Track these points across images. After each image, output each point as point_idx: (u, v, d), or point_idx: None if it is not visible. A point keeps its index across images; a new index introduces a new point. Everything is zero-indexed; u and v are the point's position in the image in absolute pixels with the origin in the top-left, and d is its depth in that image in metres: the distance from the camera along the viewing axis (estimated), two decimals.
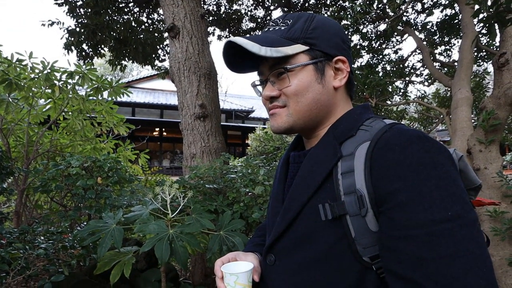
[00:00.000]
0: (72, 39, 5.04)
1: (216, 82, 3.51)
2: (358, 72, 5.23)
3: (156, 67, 6.17)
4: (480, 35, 4.34)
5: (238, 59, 0.67)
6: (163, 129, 17.16)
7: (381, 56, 5.91)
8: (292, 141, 0.81)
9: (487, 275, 0.43)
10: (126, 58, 5.60)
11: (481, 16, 1.71)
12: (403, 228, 0.47)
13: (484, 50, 5.20)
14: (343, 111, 0.68)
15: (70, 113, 3.51)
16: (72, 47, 5.12)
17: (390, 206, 0.49)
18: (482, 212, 2.97)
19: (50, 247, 1.56)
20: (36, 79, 3.03)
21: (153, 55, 5.81)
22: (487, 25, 1.77)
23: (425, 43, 5.48)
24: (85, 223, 2.33)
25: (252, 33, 6.53)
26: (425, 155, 0.50)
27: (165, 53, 6.02)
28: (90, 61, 5.34)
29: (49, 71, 3.02)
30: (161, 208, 1.76)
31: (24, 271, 1.42)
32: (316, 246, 0.57)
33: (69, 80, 3.20)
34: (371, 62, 5.92)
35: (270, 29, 0.68)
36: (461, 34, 3.94)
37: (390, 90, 4.78)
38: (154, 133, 16.98)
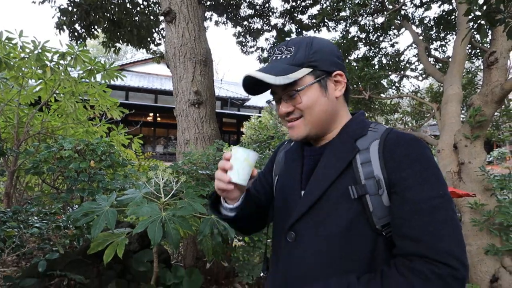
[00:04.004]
0: (64, 18, 4.91)
1: (212, 69, 3.49)
2: (354, 64, 5.26)
3: (151, 51, 6.07)
4: (474, 32, 4.39)
5: (255, 86, 0.82)
6: (157, 115, 16.99)
7: (377, 49, 5.93)
8: None
9: (460, 231, 0.66)
10: (120, 41, 5.49)
11: (472, 15, 1.74)
12: (413, 203, 0.66)
13: (477, 48, 5.25)
14: (345, 115, 0.85)
15: (62, 95, 3.46)
16: (64, 27, 5.00)
17: (402, 188, 0.68)
18: (464, 204, 3.08)
19: (44, 226, 1.59)
20: (26, 58, 2.97)
21: (148, 39, 5.71)
22: (476, 24, 1.81)
23: (421, 38, 5.51)
24: (77, 206, 2.34)
25: (250, 20, 6.48)
26: (423, 151, 0.70)
27: (160, 37, 5.93)
28: (82, 42, 5.22)
29: (40, 51, 2.96)
30: (154, 192, 1.79)
31: (19, 249, 1.45)
32: (339, 220, 0.72)
33: (61, 61, 3.14)
34: (368, 54, 5.94)
35: (278, 58, 0.82)
36: (457, 30, 3.98)
37: (384, 83, 4.82)
38: (148, 118, 16.81)
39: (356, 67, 4.42)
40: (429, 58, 5.33)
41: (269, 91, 0.86)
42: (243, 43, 6.56)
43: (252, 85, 0.81)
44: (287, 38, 0.90)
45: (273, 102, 0.87)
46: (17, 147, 2.94)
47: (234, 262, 2.51)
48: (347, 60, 5.43)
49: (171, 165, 2.27)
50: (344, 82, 0.82)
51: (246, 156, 0.76)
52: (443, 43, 5.73)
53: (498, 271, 2.82)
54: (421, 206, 0.65)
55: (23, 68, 3.00)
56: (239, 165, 0.76)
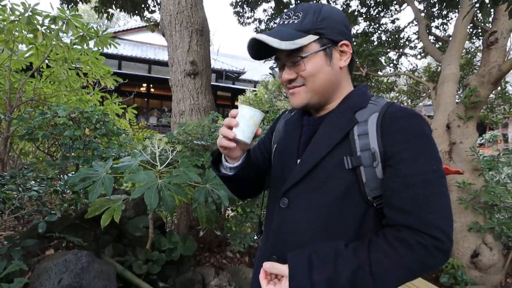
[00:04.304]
0: None
1: (208, 39, 3.41)
2: (353, 40, 5.17)
3: (145, 19, 5.87)
4: (477, 11, 4.31)
5: (260, 50, 0.80)
6: (151, 85, 16.67)
7: (377, 25, 5.81)
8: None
9: (450, 206, 0.68)
10: (114, 6, 5.28)
11: None
12: (405, 176, 0.68)
13: (479, 27, 5.19)
14: (347, 86, 0.84)
15: (54, 61, 3.37)
16: None
17: (396, 161, 0.69)
18: (452, 183, 3.18)
19: (43, 189, 1.62)
20: (16, 22, 2.86)
21: (143, 5, 5.50)
22: (479, 1, 1.78)
23: (423, 15, 5.40)
24: (73, 173, 2.37)
25: None
26: (421, 127, 0.71)
27: (155, 3, 5.70)
28: (74, 6, 5.01)
29: (30, 14, 2.85)
30: (150, 160, 1.82)
31: (18, 211, 1.49)
32: (332, 189, 0.74)
33: (52, 26, 3.03)
34: (367, 30, 5.82)
35: (285, 23, 0.80)
36: (460, 8, 3.91)
37: (382, 61, 4.77)
38: (141, 89, 16.50)
39: (355, 43, 4.35)
40: (430, 36, 5.27)
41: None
42: (240, 14, 6.35)
43: (257, 49, 0.80)
44: (285, 10, 0.87)
45: (276, 69, 0.86)
46: (10, 113, 2.90)
47: (226, 232, 2.60)
48: None
49: (166, 134, 2.29)
50: (350, 53, 0.81)
51: (252, 114, 0.77)
52: (444, 21, 5.64)
53: (479, 247, 2.97)
54: (413, 179, 0.67)
55: (13, 32, 2.89)
56: (244, 122, 0.77)
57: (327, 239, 0.74)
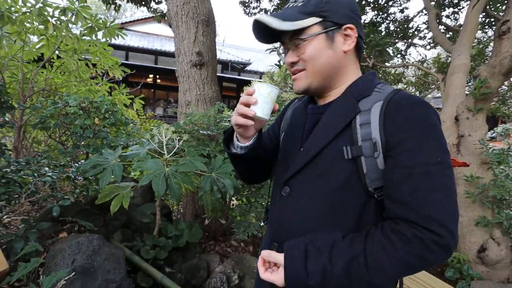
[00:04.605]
0: None
1: (214, 30, 3.42)
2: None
3: (152, 9, 5.88)
4: None
5: (265, 33, 0.80)
6: (157, 76, 16.73)
7: (386, 15, 5.71)
8: (306, 96, 0.93)
9: (455, 201, 0.65)
10: None
11: None
12: (407, 167, 0.65)
13: (492, 16, 5.06)
14: (353, 73, 0.82)
15: (64, 52, 3.44)
16: None
17: (398, 151, 0.67)
18: (460, 176, 3.16)
19: (56, 175, 1.69)
20: (28, 13, 2.91)
21: None
22: None
23: (433, 3, 5.28)
24: (83, 161, 2.44)
25: None
26: (426, 116, 0.67)
27: None
28: None
29: (41, 5, 2.90)
30: (157, 149, 1.87)
31: (34, 195, 1.56)
32: (334, 178, 0.73)
33: (62, 17, 3.08)
34: (375, 20, 5.73)
35: (290, 6, 0.81)
36: None
37: (390, 51, 4.70)
38: (148, 80, 16.58)
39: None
40: (440, 26, 5.16)
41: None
42: (246, 4, 6.30)
43: (262, 31, 0.80)
44: None
45: (283, 55, 0.86)
46: (23, 103, 2.99)
47: (231, 221, 2.65)
48: None
49: (173, 124, 2.33)
50: (355, 37, 0.78)
51: (269, 91, 0.77)
52: (456, 9, 5.50)
53: (486, 242, 2.94)
54: (415, 170, 0.64)
55: (25, 23, 2.95)
56: (263, 99, 0.77)
57: (326, 228, 0.74)
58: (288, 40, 0.80)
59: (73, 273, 1.35)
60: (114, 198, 1.83)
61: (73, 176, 1.80)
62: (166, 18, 3.60)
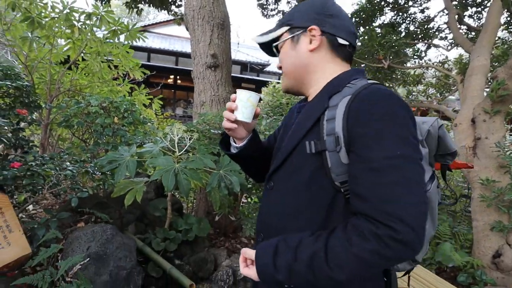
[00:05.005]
0: None
1: (229, 32, 3.52)
2: (378, 31, 5.04)
3: (172, 12, 6.08)
4: None
5: (264, 47, 0.95)
6: (178, 77, 17.11)
7: (405, 15, 5.61)
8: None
9: (419, 195, 0.62)
10: (143, 1, 5.52)
11: None
12: (366, 162, 0.65)
13: None
14: (329, 71, 0.83)
15: (88, 54, 3.65)
16: None
17: (358, 145, 0.66)
18: (476, 180, 3.08)
19: (76, 170, 1.83)
20: (56, 18, 3.13)
21: (169, 0, 5.70)
22: None
23: (455, 2, 5.14)
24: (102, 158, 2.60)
25: None
26: (389, 109, 0.66)
27: None
28: (107, 2, 5.30)
29: (68, 11, 3.10)
30: (169, 147, 1.98)
31: (55, 186, 1.71)
32: (303, 173, 0.77)
33: (87, 22, 3.28)
34: (394, 21, 5.64)
35: (277, 23, 0.93)
36: None
37: (407, 52, 4.62)
38: (169, 81, 17.00)
39: (379, 34, 4.25)
40: (462, 26, 5.02)
41: None
42: (264, 6, 6.38)
43: (262, 47, 0.94)
44: None
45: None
46: (50, 102, 3.20)
47: (241, 218, 2.73)
48: (369, 27, 5.18)
49: (186, 124, 2.44)
50: (319, 36, 0.81)
51: (248, 96, 0.86)
52: (479, 9, 5.32)
53: (502, 248, 2.86)
54: (374, 165, 0.63)
55: (53, 28, 3.17)
56: (242, 104, 0.86)
57: (298, 223, 0.77)
58: (274, 49, 0.92)
59: (88, 258, 1.47)
60: (128, 192, 1.96)
61: (91, 171, 1.94)
62: (184, 21, 3.73)
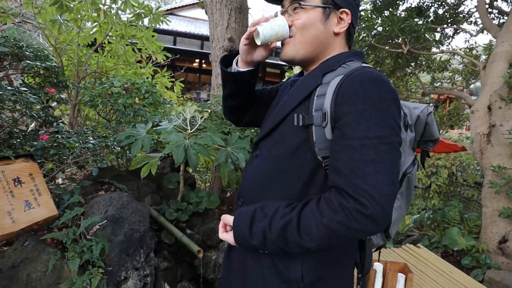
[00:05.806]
0: None
1: (247, 17, 3.57)
2: (402, 15, 4.85)
3: None
4: None
5: None
6: (203, 61, 17.27)
7: None
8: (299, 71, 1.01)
9: (392, 176, 0.67)
10: None
11: None
12: (347, 139, 0.69)
13: None
14: (337, 53, 0.85)
15: (113, 37, 3.83)
16: None
17: (342, 123, 0.70)
18: (488, 166, 3.03)
19: (97, 144, 2.03)
20: (83, 2, 3.31)
21: None
22: None
23: None
24: None
25: None
26: (375, 92, 0.69)
27: None
28: None
29: None
30: (182, 125, 2.13)
31: (79, 157, 1.91)
32: (288, 144, 0.80)
33: (113, 5, 3.44)
34: (423, 4, 5.39)
35: None
36: None
37: (429, 37, 4.44)
38: (194, 64, 17.20)
39: (398, 19, 4.11)
40: (493, 10, 4.74)
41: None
42: None
43: None
44: None
45: (279, 15, 0.89)
46: (77, 83, 3.45)
47: None
48: (393, 10, 4.99)
49: (200, 104, 2.58)
50: (348, 23, 0.83)
51: (282, 23, 0.81)
52: None
53: (508, 233, 2.86)
54: (353, 142, 0.67)
55: (81, 11, 3.36)
56: (272, 23, 0.82)
57: (276, 190, 0.81)
58: (288, 3, 0.85)
59: (105, 220, 1.66)
60: (144, 165, 2.14)
61: (111, 145, 2.14)
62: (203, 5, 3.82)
